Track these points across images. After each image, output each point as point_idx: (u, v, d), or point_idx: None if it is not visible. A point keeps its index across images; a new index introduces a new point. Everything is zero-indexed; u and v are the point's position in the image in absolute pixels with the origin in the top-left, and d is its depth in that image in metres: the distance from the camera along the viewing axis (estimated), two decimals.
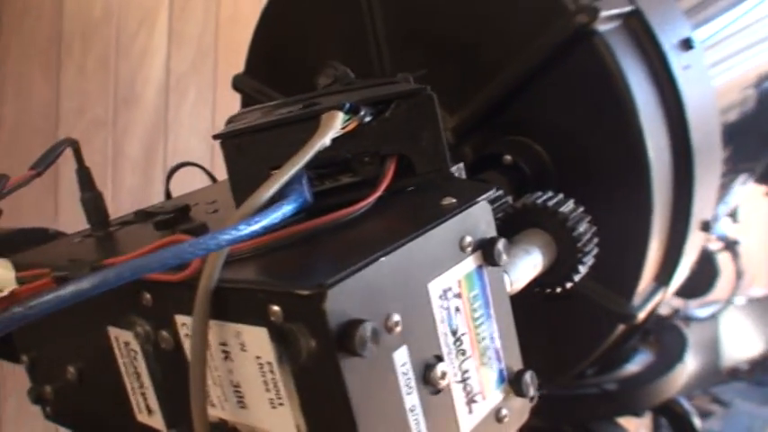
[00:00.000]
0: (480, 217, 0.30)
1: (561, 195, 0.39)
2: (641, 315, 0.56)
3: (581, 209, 0.38)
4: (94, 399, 0.38)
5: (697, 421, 0.82)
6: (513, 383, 0.32)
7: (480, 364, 0.30)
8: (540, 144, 0.55)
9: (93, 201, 0.42)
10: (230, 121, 0.39)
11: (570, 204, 0.38)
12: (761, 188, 1.04)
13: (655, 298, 0.58)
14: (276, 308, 0.25)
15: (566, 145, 0.54)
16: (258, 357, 0.26)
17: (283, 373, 0.26)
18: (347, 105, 0.32)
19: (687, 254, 0.59)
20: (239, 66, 0.77)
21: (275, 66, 0.70)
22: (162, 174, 1.24)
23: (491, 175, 0.53)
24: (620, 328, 0.57)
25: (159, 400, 0.33)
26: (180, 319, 0.29)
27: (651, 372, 0.81)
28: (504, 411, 0.31)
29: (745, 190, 0.84)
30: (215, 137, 0.33)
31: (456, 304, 0.29)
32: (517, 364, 0.32)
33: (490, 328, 0.31)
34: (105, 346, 0.34)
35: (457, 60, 0.58)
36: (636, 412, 0.81)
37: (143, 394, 0.34)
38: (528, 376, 0.32)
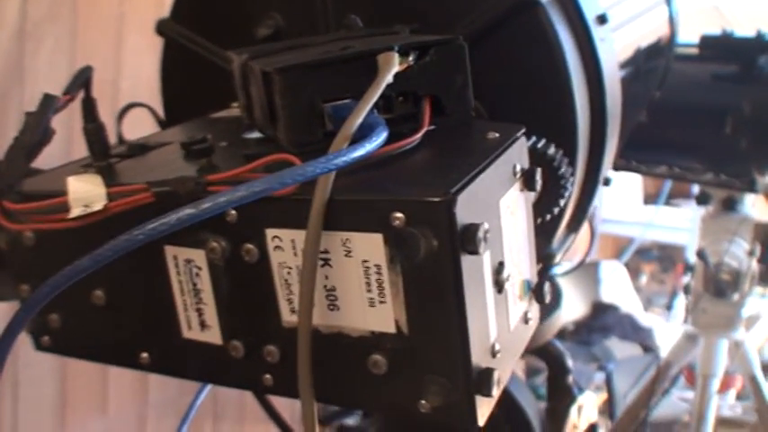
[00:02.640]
0: (522, 149, 0.35)
1: (545, 140, 0.45)
2: (558, 257, 0.64)
3: (561, 151, 0.44)
4: (122, 322, 0.39)
5: (569, 362, 0.93)
6: (535, 292, 0.37)
7: (519, 272, 0.35)
8: (480, 101, 0.60)
9: (95, 131, 0.43)
10: (255, 55, 0.41)
11: (553, 147, 0.44)
12: None
13: (567, 242, 0.66)
14: (399, 214, 0.28)
15: (502, 103, 0.60)
16: (365, 261, 0.30)
17: (392, 274, 0.30)
18: (396, 48, 0.36)
19: (592, 204, 0.67)
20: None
21: (205, 13, 0.70)
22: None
23: None
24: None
25: (219, 315, 0.35)
26: (272, 232, 0.32)
27: None
28: (529, 314, 0.37)
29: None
30: (275, 71, 0.36)
31: (511, 221, 0.34)
32: (535, 277, 0.38)
33: (525, 243, 0.36)
34: (155, 266, 0.36)
35: (404, 20, 0.62)
36: None
37: (198, 310, 0.36)
38: (547, 286, 0.37)
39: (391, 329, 0.31)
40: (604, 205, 2.23)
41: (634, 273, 2.44)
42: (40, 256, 0.40)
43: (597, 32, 0.64)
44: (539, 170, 0.36)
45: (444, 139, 0.37)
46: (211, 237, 0.34)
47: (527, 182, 0.35)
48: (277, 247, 0.32)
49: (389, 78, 0.34)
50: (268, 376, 0.35)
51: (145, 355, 0.39)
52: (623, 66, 0.93)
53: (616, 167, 1.29)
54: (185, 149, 0.39)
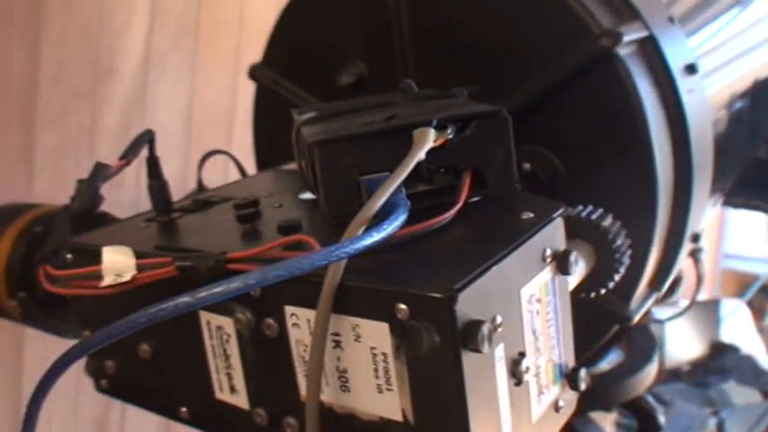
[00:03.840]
0: (557, 231, 0.34)
1: (601, 210, 0.43)
2: (636, 318, 0.61)
3: (618, 223, 0.42)
4: (165, 377, 0.41)
5: (662, 418, 0.88)
6: (569, 378, 0.36)
7: (549, 360, 0.34)
8: (556, 155, 0.59)
9: (159, 188, 0.45)
10: (309, 120, 0.42)
11: (609, 219, 0.42)
12: None
13: (648, 302, 0.63)
14: (403, 306, 0.28)
15: (579, 157, 0.58)
16: (373, 348, 0.30)
17: (398, 363, 0.29)
18: (434, 122, 0.36)
19: (678, 263, 0.64)
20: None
21: (294, 58, 0.72)
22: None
23: None
24: (614, 329, 0.62)
25: (247, 381, 0.36)
26: (290, 309, 0.32)
27: (623, 370, 0.86)
28: (561, 402, 0.35)
29: (715, 210, 0.90)
30: (315, 143, 0.36)
31: (537, 308, 0.33)
32: (571, 361, 0.36)
33: (557, 329, 0.35)
34: (193, 329, 0.37)
35: (479, 70, 0.61)
36: (607, 407, 0.86)
37: (228, 374, 0.37)
38: (582, 373, 0.36)
39: (398, 417, 0.30)
40: (728, 240, 2.11)
41: (758, 312, 2.29)
42: (98, 309, 0.42)
43: (684, 83, 0.61)
44: (574, 254, 0.34)
45: (480, 215, 0.36)
46: (238, 308, 0.34)
47: (560, 266, 0.34)
48: (294, 324, 0.32)
49: (421, 155, 0.34)
50: None
51: (184, 409, 0.40)
52: (740, 97, 0.88)
53: (735, 205, 1.22)
54: (236, 211, 0.40)
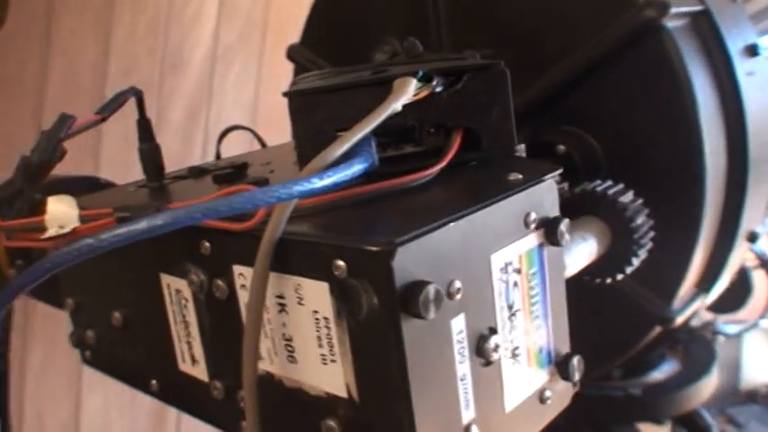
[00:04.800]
0: (546, 195, 0.30)
1: (621, 185, 0.38)
2: (679, 319, 0.55)
3: (640, 200, 0.38)
4: (137, 346, 0.38)
5: None
6: (559, 366, 0.31)
7: (531, 342, 0.30)
8: (595, 137, 0.54)
9: (150, 152, 0.43)
10: (295, 82, 0.39)
11: (630, 195, 0.38)
12: None
13: (694, 304, 0.57)
14: (341, 263, 0.25)
15: (620, 140, 0.53)
16: (315, 312, 0.26)
17: (339, 330, 0.26)
18: (420, 73, 0.32)
19: (731, 263, 0.58)
20: (287, 41, 0.77)
21: (331, 39, 0.70)
22: (203, 140, 1.25)
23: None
24: (656, 330, 0.57)
25: (205, 351, 0.33)
26: (238, 269, 0.29)
27: (677, 381, 0.80)
28: (548, 393, 0.31)
29: None
30: (284, 94, 0.33)
31: (515, 279, 0.29)
32: (565, 348, 0.32)
33: (544, 308, 0.30)
34: (155, 293, 0.35)
35: (517, 46, 0.57)
36: (657, 419, 0.80)
37: (189, 343, 0.34)
38: (575, 360, 0.31)
39: (343, 394, 0.27)
40: None
41: None
42: (76, 274, 0.40)
43: (743, 65, 0.55)
44: (565, 222, 0.30)
45: (468, 176, 0.32)
46: (192, 268, 0.32)
47: (548, 235, 0.30)
48: (243, 286, 0.29)
49: (397, 106, 0.30)
50: (245, 424, 0.32)
51: (154, 382, 0.38)
52: None
53: None
54: (204, 175, 0.38)
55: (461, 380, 0.26)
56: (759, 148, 0.55)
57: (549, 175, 0.30)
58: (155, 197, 0.39)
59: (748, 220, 0.57)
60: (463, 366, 0.26)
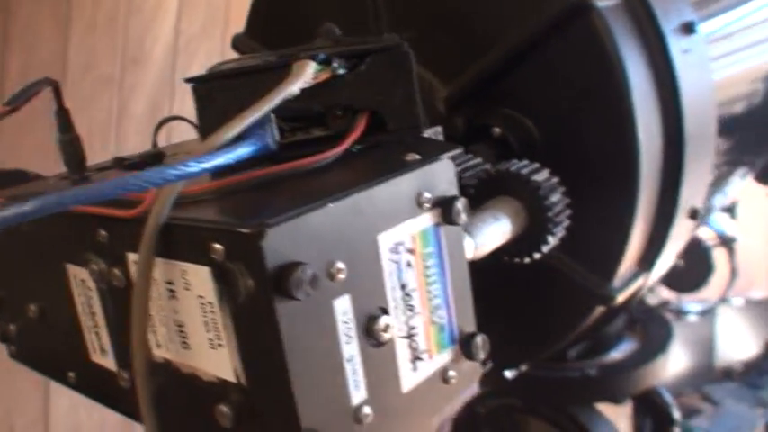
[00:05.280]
0: (442, 175, 0.30)
1: (537, 164, 0.38)
2: (620, 298, 0.55)
3: (555, 179, 0.38)
4: (53, 338, 0.38)
5: (676, 413, 0.82)
6: (463, 345, 0.31)
7: (429, 322, 0.30)
8: (531, 119, 0.54)
9: (70, 143, 0.42)
10: (209, 70, 0.39)
11: (544, 173, 0.38)
12: (763, 189, 1.02)
13: (636, 282, 0.57)
14: (218, 246, 0.24)
15: (555, 121, 0.53)
16: (200, 297, 0.26)
17: (223, 314, 0.26)
18: (320, 56, 0.32)
19: (672, 240, 0.58)
20: None
21: (274, 28, 0.69)
22: (167, 134, 1.24)
23: (479, 147, 0.53)
24: (599, 310, 0.57)
25: (111, 340, 0.33)
26: (132, 256, 0.29)
27: (633, 360, 0.81)
28: (451, 372, 0.31)
29: (743, 183, 0.83)
30: (186, 80, 0.33)
31: (408, 259, 0.28)
32: (469, 327, 0.32)
33: (443, 288, 0.30)
34: (64, 284, 0.34)
35: (454, 29, 0.57)
36: (615, 399, 0.81)
37: (97, 333, 0.34)
38: (479, 339, 0.31)
39: (232, 378, 0.27)
40: None
41: None
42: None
43: (678, 43, 0.55)
44: (462, 201, 0.30)
45: (367, 158, 0.32)
46: (93, 257, 0.31)
47: (445, 214, 0.30)
48: None
49: (293, 90, 0.30)
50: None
51: (71, 374, 0.37)
52: None
53: None
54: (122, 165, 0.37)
55: (349, 360, 0.26)
56: (696, 125, 0.55)
57: (445, 155, 0.30)
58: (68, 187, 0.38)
59: (688, 198, 0.57)
60: (350, 347, 0.26)
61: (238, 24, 1.40)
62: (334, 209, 0.25)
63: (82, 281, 0.33)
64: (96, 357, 0.34)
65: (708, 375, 1.75)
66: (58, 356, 0.38)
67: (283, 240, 0.24)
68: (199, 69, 1.23)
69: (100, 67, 1.17)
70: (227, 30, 1.30)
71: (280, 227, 0.24)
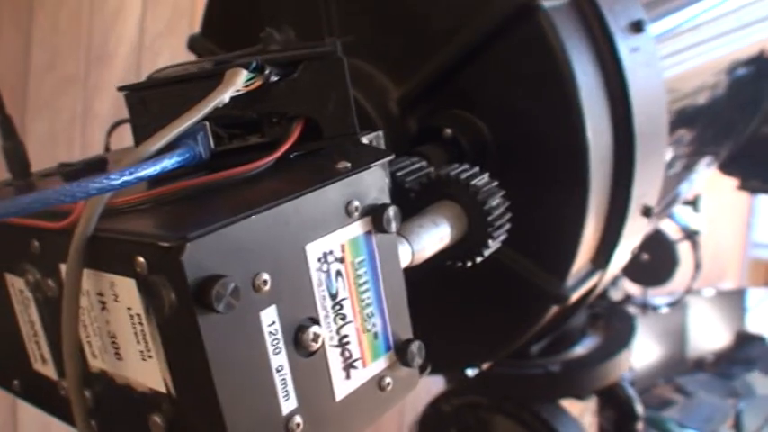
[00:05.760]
0: (372, 183, 0.30)
1: (477, 168, 0.39)
2: (574, 296, 0.56)
3: (494, 183, 0.38)
4: None
5: (639, 407, 0.83)
6: (398, 352, 0.32)
7: (363, 330, 0.30)
8: (482, 119, 0.54)
9: (14, 150, 0.42)
10: (151, 75, 0.39)
11: (484, 178, 0.38)
12: (732, 182, 1.04)
13: (590, 280, 0.58)
14: (141, 259, 0.25)
15: (506, 122, 0.54)
16: (129, 308, 0.26)
17: (150, 326, 0.26)
18: (253, 64, 0.32)
19: (626, 238, 0.59)
20: None
21: (229, 29, 0.69)
22: (129, 136, 1.23)
23: (430, 148, 0.53)
24: (554, 309, 0.58)
25: (51, 350, 0.33)
26: (64, 267, 0.29)
27: (596, 356, 0.82)
28: (387, 380, 0.31)
29: (709, 172, 0.84)
30: (119, 89, 0.33)
31: (337, 268, 0.29)
32: (406, 334, 0.32)
33: (376, 295, 0.31)
34: (4, 293, 0.34)
35: (404, 30, 0.57)
36: (579, 395, 0.82)
37: (37, 343, 0.34)
38: (414, 346, 0.32)
39: (162, 389, 0.27)
40: (755, 229, 2.01)
41: None
42: None
43: (626, 41, 0.56)
44: (392, 209, 0.30)
45: (299, 167, 0.32)
46: (28, 267, 0.31)
47: (376, 222, 0.30)
48: None
49: (224, 98, 0.30)
50: (93, 423, 0.32)
51: (16, 382, 0.37)
52: (744, 65, 0.82)
53: (754, 190, 1.15)
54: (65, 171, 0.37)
55: (278, 371, 0.27)
56: (646, 123, 0.56)
57: (376, 163, 0.30)
58: (12, 195, 0.38)
59: (641, 195, 0.58)
60: (279, 357, 0.27)
61: None
62: (258, 220, 0.26)
63: (20, 291, 0.33)
64: (39, 366, 0.34)
65: (680, 366, 1.77)
66: (3, 365, 0.38)
67: (204, 253, 0.24)
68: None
69: (64, 66, 1.16)
70: (193, 28, 1.29)
71: (200, 240, 0.24)
